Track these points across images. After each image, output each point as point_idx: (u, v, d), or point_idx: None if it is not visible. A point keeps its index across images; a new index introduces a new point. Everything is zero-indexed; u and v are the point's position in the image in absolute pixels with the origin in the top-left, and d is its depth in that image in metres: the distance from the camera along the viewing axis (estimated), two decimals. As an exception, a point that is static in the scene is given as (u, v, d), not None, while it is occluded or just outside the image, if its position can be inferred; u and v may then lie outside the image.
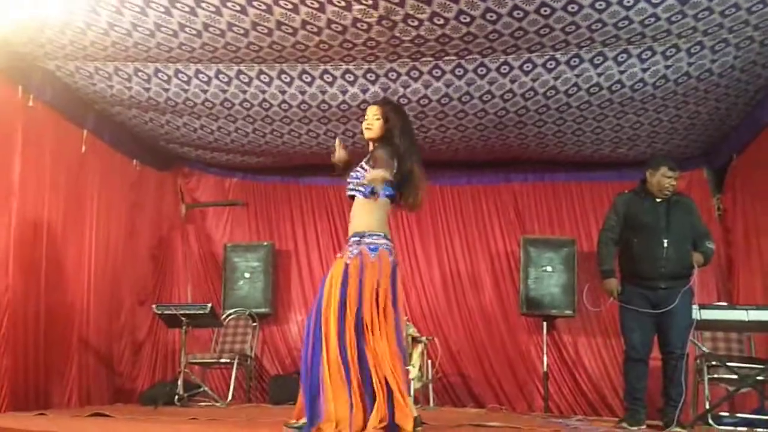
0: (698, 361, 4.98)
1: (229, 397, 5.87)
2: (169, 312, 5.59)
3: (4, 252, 4.49)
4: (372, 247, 3.25)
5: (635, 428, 4.23)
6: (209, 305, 5.58)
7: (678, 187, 4.59)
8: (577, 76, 4.70)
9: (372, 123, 3.39)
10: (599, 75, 4.68)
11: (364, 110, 5.05)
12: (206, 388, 5.76)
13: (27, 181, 4.70)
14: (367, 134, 3.41)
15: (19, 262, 4.58)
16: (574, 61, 4.54)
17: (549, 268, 6.07)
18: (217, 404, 5.62)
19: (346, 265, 3.22)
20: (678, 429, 4.14)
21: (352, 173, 3.38)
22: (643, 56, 4.46)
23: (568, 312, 5.97)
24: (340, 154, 3.49)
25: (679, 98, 4.98)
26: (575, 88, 4.85)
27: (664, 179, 4.38)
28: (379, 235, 3.27)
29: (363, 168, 3.33)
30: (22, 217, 4.66)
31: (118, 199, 5.93)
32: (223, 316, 6.27)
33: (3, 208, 4.51)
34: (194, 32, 4.23)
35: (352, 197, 3.38)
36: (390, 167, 3.24)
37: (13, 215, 4.58)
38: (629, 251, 4.45)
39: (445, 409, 5.91)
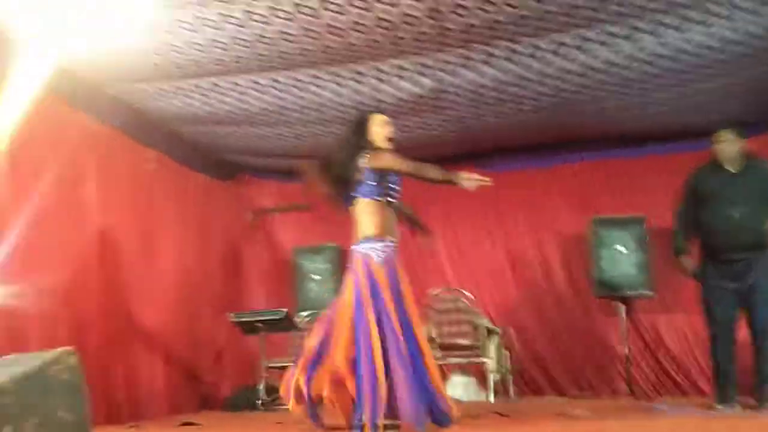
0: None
1: (310, 399, 5.95)
2: (246, 319, 5.72)
3: (87, 273, 4.69)
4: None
5: (727, 408, 4.08)
6: (284, 310, 5.68)
7: (754, 152, 4.41)
8: (636, 48, 4.53)
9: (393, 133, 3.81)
10: (659, 45, 4.50)
11: (419, 104, 5.16)
12: (287, 391, 5.86)
13: (102, 203, 4.88)
14: (391, 144, 3.76)
15: (100, 282, 4.79)
16: (632, 33, 4.38)
17: (621, 248, 5.90)
18: (299, 406, 5.71)
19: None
20: (773, 407, 3.97)
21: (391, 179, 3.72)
22: (704, 20, 4.25)
23: (646, 292, 5.80)
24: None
25: (747, 59, 4.73)
26: (634, 60, 4.68)
27: (714, 146, 4.25)
28: (357, 244, 3.65)
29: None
30: (102, 238, 4.86)
31: (189, 214, 6.11)
32: (298, 320, 6.36)
33: (83, 232, 4.70)
34: (246, 44, 4.29)
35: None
36: None
37: (92, 237, 4.78)
38: (702, 226, 4.32)
39: (525, 399, 5.84)
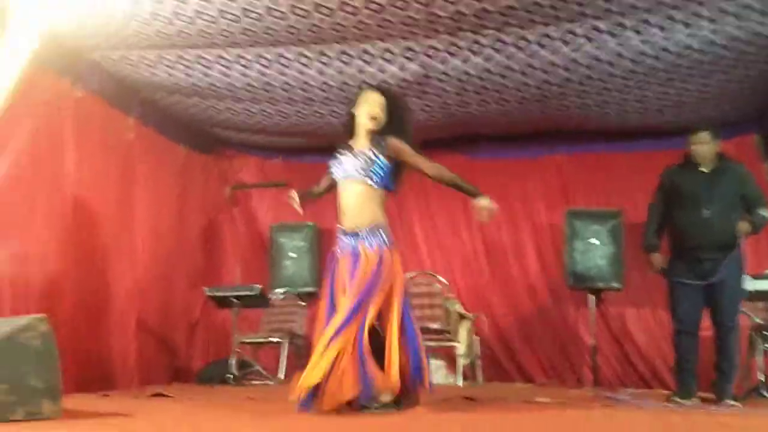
0: (752, 332, 4.89)
1: (282, 375, 6.02)
2: (220, 294, 5.74)
3: (62, 240, 4.67)
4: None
5: (687, 401, 4.20)
6: (258, 287, 5.71)
7: (728, 153, 4.50)
8: (620, 45, 4.59)
9: (378, 114, 3.47)
10: (643, 43, 4.56)
11: (404, 88, 5.16)
12: (258, 367, 5.92)
13: (79, 170, 4.86)
14: (372, 125, 3.47)
15: (75, 250, 4.76)
16: (617, 30, 4.43)
17: (595, 241, 5.99)
18: (270, 382, 5.77)
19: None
20: (731, 402, 4.09)
21: (358, 158, 3.52)
22: (689, 21, 4.32)
23: (616, 285, 5.90)
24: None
25: (728, 62, 4.82)
26: (618, 57, 4.74)
27: (690, 146, 4.35)
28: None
29: (373, 153, 3.47)
30: (77, 205, 4.83)
31: (166, 184, 6.08)
32: (271, 296, 6.39)
33: (58, 198, 4.68)
34: (233, 17, 4.26)
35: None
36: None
37: (68, 204, 4.75)
38: (674, 224, 4.42)
39: (493, 385, 5.94)
